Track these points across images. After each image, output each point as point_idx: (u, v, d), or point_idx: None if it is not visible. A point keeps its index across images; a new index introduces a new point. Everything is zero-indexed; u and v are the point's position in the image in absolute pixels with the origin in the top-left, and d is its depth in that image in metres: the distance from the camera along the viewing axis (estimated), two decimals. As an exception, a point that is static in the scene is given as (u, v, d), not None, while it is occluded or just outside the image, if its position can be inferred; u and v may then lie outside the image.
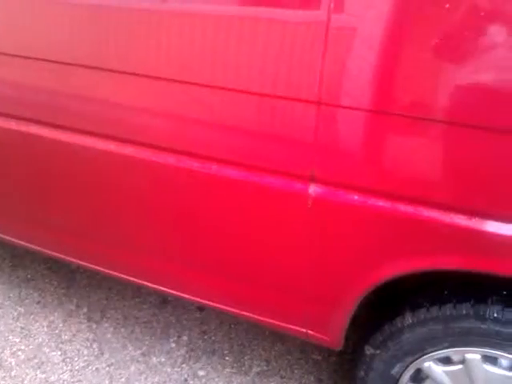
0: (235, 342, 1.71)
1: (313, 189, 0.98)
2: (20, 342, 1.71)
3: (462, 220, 0.88)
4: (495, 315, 0.98)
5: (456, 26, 0.78)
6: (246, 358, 1.66)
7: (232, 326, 1.76)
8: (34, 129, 1.28)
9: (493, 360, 1.06)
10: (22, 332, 1.75)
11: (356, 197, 0.95)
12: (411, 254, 0.97)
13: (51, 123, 1.25)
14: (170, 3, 1.05)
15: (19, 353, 1.67)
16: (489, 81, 0.80)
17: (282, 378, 1.58)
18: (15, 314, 1.82)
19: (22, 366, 1.63)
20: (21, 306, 1.86)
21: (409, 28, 0.82)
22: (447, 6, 0.76)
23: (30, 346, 1.70)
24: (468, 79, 0.81)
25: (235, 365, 1.63)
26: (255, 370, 1.61)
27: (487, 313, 0.99)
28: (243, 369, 1.62)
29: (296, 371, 1.60)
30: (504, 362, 1.06)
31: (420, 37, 0.81)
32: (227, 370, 1.61)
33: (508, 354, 1.01)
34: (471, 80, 0.81)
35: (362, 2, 0.83)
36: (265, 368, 1.62)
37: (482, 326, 1.00)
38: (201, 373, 1.60)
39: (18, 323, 1.78)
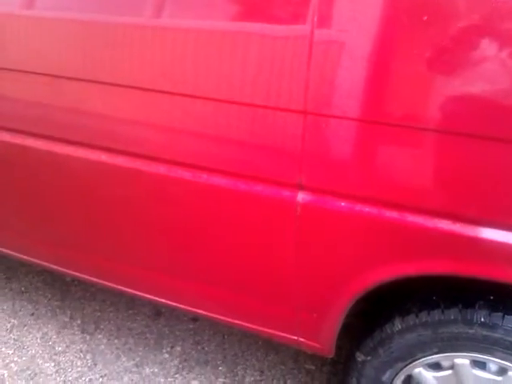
0: (228, 353, 1.71)
1: (301, 196, 1.00)
2: (13, 353, 1.71)
3: (445, 225, 0.90)
4: (482, 320, 0.99)
5: (436, 37, 0.81)
6: (239, 367, 1.66)
7: (225, 336, 1.77)
8: (29, 141, 1.29)
9: (482, 365, 1.08)
10: (16, 344, 1.75)
11: (343, 203, 0.97)
12: (398, 260, 0.98)
13: (46, 135, 1.27)
14: (162, 18, 1.07)
15: (12, 364, 1.67)
16: (476, 90, 0.81)
17: (275, 387, 1.59)
18: (8, 325, 1.82)
19: (15, 377, 1.62)
20: (14, 318, 1.86)
21: (390, 39, 0.84)
22: (425, 18, 0.79)
23: (23, 358, 1.69)
24: (452, 87, 0.83)
25: (228, 375, 1.63)
26: (248, 379, 1.61)
27: (474, 317, 1.00)
28: (236, 379, 1.61)
29: (289, 381, 1.60)
30: (492, 367, 1.07)
31: (403, 47, 0.84)
32: (220, 379, 1.61)
33: (496, 358, 1.02)
34: (456, 88, 0.83)
35: (345, 16, 0.86)
36: (258, 378, 1.62)
37: (470, 331, 1.01)
38: (194, 383, 1.60)
39: (11, 335, 1.78)
